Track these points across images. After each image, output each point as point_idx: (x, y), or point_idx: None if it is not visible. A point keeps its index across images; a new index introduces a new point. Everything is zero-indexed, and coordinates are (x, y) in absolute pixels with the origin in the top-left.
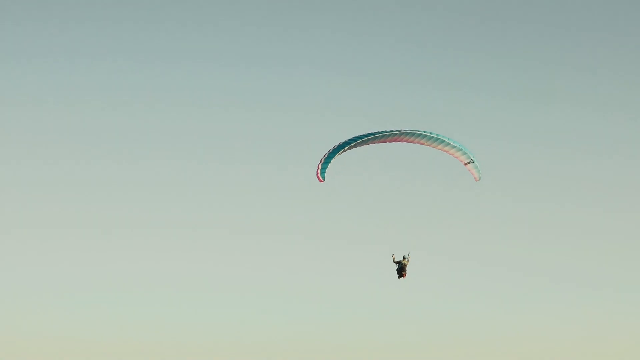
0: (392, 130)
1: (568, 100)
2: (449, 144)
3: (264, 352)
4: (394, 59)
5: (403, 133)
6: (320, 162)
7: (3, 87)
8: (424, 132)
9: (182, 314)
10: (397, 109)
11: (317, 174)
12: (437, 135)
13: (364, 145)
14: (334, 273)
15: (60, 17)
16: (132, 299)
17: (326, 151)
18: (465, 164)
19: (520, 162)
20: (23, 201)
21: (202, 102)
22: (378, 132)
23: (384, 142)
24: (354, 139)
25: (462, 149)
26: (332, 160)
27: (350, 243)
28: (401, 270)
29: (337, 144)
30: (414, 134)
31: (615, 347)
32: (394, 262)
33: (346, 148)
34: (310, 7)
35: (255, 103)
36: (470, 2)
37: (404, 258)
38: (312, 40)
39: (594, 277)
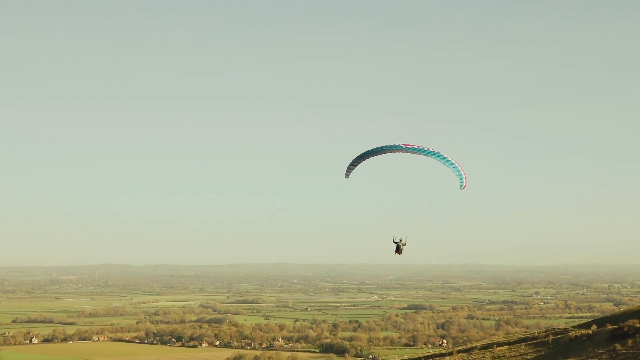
0: (406, 146)
1: None
2: (444, 160)
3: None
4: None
5: (416, 149)
6: (350, 164)
7: None
8: (433, 152)
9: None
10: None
11: (345, 172)
12: (441, 156)
13: (388, 153)
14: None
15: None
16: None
17: (356, 155)
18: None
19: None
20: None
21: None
22: (397, 146)
23: (401, 152)
24: (382, 148)
25: (452, 165)
26: (359, 163)
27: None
28: (397, 249)
29: (365, 150)
30: (428, 152)
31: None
32: (394, 241)
33: (374, 154)
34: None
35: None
36: None
37: (400, 240)
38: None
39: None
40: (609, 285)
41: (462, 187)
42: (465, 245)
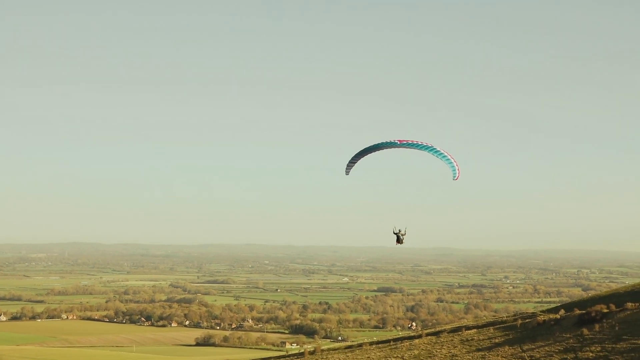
0: (401, 142)
1: None
2: (438, 153)
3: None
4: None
5: (412, 144)
6: (349, 161)
7: None
8: (427, 145)
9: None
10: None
11: (345, 169)
12: (435, 149)
13: (385, 149)
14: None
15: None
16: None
17: (355, 152)
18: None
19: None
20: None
21: None
22: (393, 142)
23: (398, 147)
24: (378, 145)
25: (445, 158)
26: (358, 160)
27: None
28: (398, 240)
29: (363, 147)
30: (423, 146)
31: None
32: (394, 232)
33: (372, 150)
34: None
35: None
36: None
37: (400, 231)
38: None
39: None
40: (577, 271)
41: (455, 178)
42: (436, 229)
